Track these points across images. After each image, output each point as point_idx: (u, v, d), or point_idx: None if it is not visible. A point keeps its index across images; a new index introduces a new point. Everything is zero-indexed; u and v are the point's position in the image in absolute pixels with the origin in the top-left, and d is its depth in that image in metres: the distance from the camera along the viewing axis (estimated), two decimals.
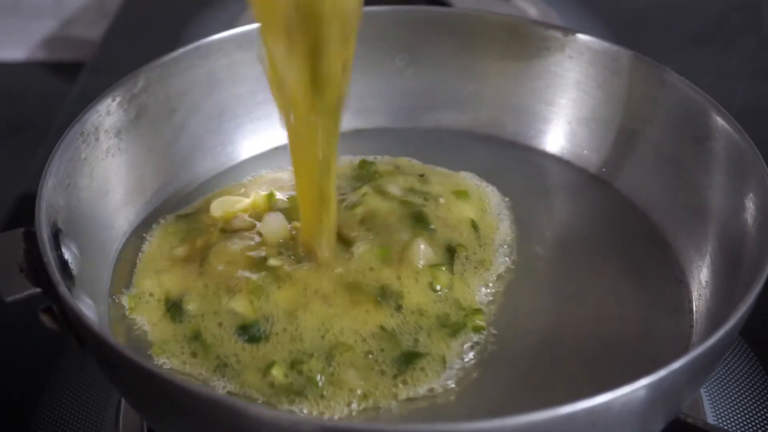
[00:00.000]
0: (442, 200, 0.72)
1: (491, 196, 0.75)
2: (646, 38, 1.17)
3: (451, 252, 0.68)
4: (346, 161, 0.78)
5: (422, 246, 0.67)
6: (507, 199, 0.75)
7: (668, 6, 1.25)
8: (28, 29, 1.36)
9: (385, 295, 0.64)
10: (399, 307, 0.64)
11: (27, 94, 1.30)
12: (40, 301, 0.57)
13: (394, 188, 0.72)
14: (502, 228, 0.72)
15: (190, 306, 0.65)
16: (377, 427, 0.51)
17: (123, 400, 0.69)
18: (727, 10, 1.25)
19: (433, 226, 0.69)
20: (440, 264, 0.67)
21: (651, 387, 0.50)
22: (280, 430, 0.49)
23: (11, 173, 1.09)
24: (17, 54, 1.36)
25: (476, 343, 0.63)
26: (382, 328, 0.63)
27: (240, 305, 0.63)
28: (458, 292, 0.66)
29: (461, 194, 0.73)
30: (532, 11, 1.14)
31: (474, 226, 0.71)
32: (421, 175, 0.75)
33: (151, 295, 0.66)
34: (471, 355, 0.63)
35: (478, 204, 0.74)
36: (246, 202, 0.72)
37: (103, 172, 0.69)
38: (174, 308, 0.65)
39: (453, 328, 0.64)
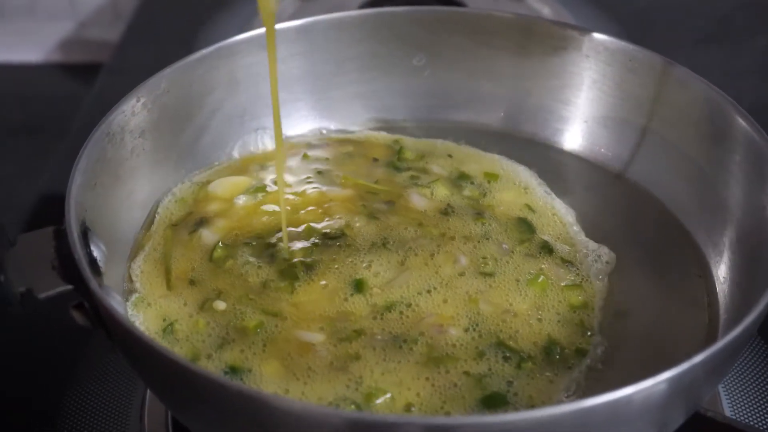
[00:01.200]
0: (486, 185, 0.74)
1: (523, 173, 0.76)
2: (654, 37, 1.18)
3: (548, 250, 0.68)
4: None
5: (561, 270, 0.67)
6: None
7: (677, 5, 1.26)
8: (44, 31, 1.37)
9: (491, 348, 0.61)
10: (507, 358, 0.60)
11: (43, 95, 1.31)
12: (68, 298, 0.58)
13: (438, 169, 0.74)
14: (558, 207, 0.73)
15: (180, 335, 0.62)
16: (409, 420, 0.51)
17: (148, 393, 0.70)
18: (735, 9, 1.25)
19: (537, 232, 0.70)
20: (573, 284, 0.66)
21: (672, 381, 0.50)
22: (306, 421, 0.49)
23: (28, 174, 1.10)
24: (33, 56, 1.37)
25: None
26: (467, 373, 0.59)
27: (230, 357, 0.60)
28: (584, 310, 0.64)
29: (493, 176, 0.75)
30: (546, 11, 1.14)
31: (531, 209, 0.72)
32: (450, 156, 0.77)
33: (149, 305, 0.64)
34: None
35: (519, 188, 0.74)
36: (246, 180, 0.73)
37: (128, 172, 0.70)
38: (168, 329, 0.62)
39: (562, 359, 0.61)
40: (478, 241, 0.68)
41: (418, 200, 0.72)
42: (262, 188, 0.73)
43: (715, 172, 0.70)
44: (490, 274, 0.66)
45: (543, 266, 0.67)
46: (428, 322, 0.62)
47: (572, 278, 0.66)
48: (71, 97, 1.20)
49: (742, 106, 0.69)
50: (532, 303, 0.64)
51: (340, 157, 0.78)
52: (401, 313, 0.63)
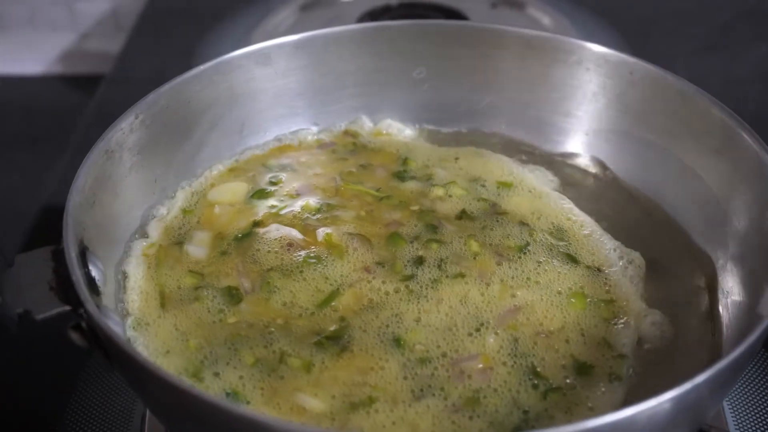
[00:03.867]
0: (496, 189, 0.74)
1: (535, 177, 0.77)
2: (656, 45, 1.17)
3: (574, 261, 0.68)
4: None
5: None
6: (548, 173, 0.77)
7: (678, 13, 1.26)
8: (45, 43, 1.38)
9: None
10: (535, 386, 0.59)
11: (44, 107, 1.31)
12: (66, 319, 0.57)
13: (443, 173, 0.74)
14: (573, 210, 0.72)
15: (176, 355, 0.61)
16: None
17: (147, 412, 0.69)
18: (736, 17, 1.25)
19: (570, 241, 0.69)
20: (607, 297, 0.65)
21: (676, 400, 0.50)
22: None
23: (30, 185, 1.10)
24: (34, 68, 1.38)
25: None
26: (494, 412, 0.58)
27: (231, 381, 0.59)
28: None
29: (507, 185, 0.75)
30: (546, 20, 1.14)
31: (546, 214, 0.72)
32: (457, 159, 0.77)
33: (147, 324, 0.63)
34: None
35: (529, 192, 0.74)
36: (244, 186, 0.73)
37: (127, 189, 0.69)
38: (165, 349, 0.61)
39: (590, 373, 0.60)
40: (523, 254, 0.67)
41: (440, 205, 0.72)
42: (262, 193, 0.73)
43: (718, 186, 0.70)
44: (535, 290, 0.65)
45: (580, 279, 0.66)
46: (471, 367, 0.59)
47: (606, 289, 0.66)
48: (73, 108, 1.20)
49: (745, 113, 0.68)
50: (568, 319, 0.63)
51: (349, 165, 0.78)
52: (435, 369, 0.60)
